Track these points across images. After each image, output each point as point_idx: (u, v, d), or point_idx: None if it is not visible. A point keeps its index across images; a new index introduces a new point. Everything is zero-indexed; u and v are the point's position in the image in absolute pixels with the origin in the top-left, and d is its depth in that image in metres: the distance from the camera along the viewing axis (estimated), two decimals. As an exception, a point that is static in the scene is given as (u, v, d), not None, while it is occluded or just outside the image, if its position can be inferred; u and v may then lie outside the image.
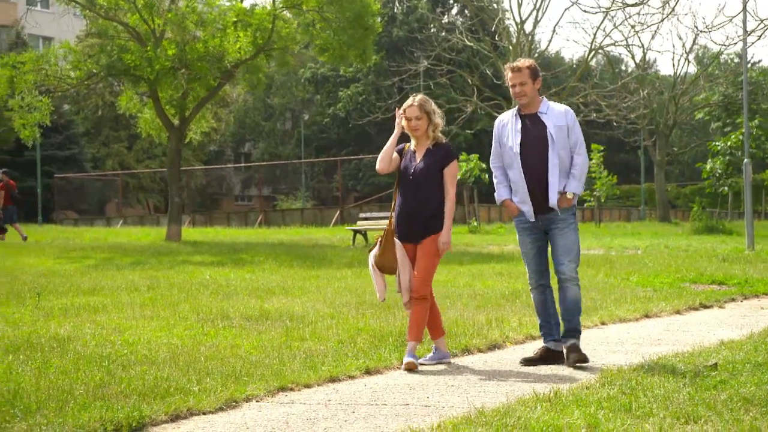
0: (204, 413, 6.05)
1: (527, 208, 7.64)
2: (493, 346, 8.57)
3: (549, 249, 7.81)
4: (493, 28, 42.08)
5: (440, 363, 7.69)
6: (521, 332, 9.19)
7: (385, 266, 7.68)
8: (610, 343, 8.81)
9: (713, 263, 17.60)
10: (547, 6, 42.42)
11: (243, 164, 72.14)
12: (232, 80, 29.06)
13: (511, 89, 7.68)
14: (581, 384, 6.53)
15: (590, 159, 41.05)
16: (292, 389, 6.74)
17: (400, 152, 7.76)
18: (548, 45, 60.74)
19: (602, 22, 49.09)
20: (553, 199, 7.54)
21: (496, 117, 31.68)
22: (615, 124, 46.92)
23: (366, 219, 27.46)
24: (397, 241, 7.65)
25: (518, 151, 7.58)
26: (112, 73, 26.33)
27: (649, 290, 13.21)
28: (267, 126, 73.49)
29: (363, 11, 26.69)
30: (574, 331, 7.64)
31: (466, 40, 42.41)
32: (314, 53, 29.61)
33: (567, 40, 74.30)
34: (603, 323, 10.20)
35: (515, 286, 13.41)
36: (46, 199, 51.36)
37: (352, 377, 7.20)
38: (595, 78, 47.77)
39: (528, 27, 40.93)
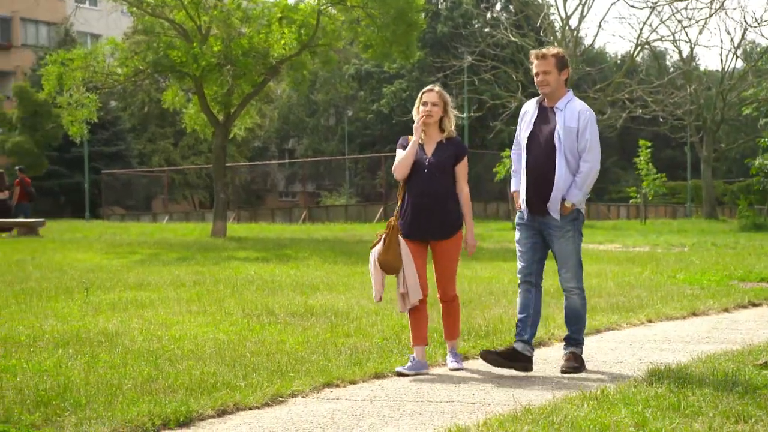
0: (250, 408, 6.09)
1: (524, 206, 7.25)
2: (539, 344, 8.53)
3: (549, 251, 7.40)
4: (537, 24, 41.91)
5: (419, 374, 7.15)
6: (566, 330, 9.11)
7: (389, 265, 7.24)
8: (656, 341, 8.74)
9: (762, 261, 17.39)
10: (593, 1, 42.12)
11: (287, 160, 72.41)
12: (277, 76, 29.17)
13: (534, 78, 7.22)
14: (629, 382, 6.47)
15: (638, 155, 40.70)
16: (337, 385, 6.75)
17: (404, 144, 7.41)
18: (593, 40, 60.44)
19: (649, 17, 48.75)
20: (553, 201, 7.05)
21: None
22: (661, 120, 46.51)
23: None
24: (401, 239, 7.25)
25: (525, 144, 7.20)
26: (158, 69, 26.54)
27: (696, 288, 13.07)
28: (311, 122, 73.72)
29: (407, 7, 26.64)
30: (574, 341, 7.34)
31: (510, 35, 42.26)
32: (358, 50, 29.63)
33: (613, 35, 73.95)
34: (650, 321, 10.11)
35: (559, 284, 13.30)
36: (93, 194, 51.89)
37: (398, 374, 7.19)
38: (641, 74, 47.39)
39: (573, 22, 40.79)
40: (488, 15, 55.26)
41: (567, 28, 40.19)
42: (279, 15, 26.49)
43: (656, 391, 6.05)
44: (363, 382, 6.91)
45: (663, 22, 48.11)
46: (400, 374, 7.09)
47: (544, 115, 7.17)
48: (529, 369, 7.12)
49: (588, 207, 54.02)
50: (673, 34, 44.82)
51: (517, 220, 7.38)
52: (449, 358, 7.44)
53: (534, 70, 7.18)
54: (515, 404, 5.95)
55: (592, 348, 8.34)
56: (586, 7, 39.85)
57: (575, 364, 7.18)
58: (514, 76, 44.38)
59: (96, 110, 27.65)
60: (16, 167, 30.27)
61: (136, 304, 11.06)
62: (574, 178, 7.03)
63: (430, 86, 7.38)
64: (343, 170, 69.61)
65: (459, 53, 48.53)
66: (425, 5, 29.53)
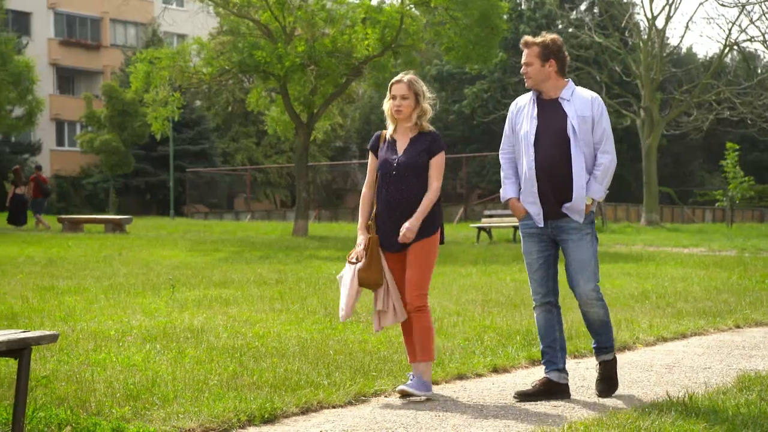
0: (334, 407, 6.13)
1: (536, 210, 6.38)
2: (623, 348, 8.42)
3: (561, 262, 6.62)
4: (622, 24, 41.37)
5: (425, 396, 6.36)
6: (652, 334, 9.01)
7: (371, 281, 6.36)
8: (745, 348, 8.56)
9: None
10: (680, 1, 41.42)
11: (368, 160, 72.67)
12: (359, 77, 29.29)
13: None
14: (717, 389, 6.36)
15: (725, 158, 39.94)
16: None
17: (375, 143, 6.64)
18: (680, 41, 59.41)
19: (738, 17, 47.65)
20: (576, 202, 6.27)
21: (625, 115, 31.15)
22: (749, 122, 45.54)
23: (491, 216, 27.36)
24: (381, 252, 6.43)
25: (533, 140, 6.35)
26: (243, 69, 26.86)
27: (785, 294, 12.78)
28: (392, 122, 73.77)
29: (490, 11, 26.56)
30: (604, 349, 6.54)
31: (594, 36, 41.79)
32: (440, 52, 29.61)
33: (700, 35, 72.64)
34: (738, 326, 9.91)
35: (645, 287, 13.16)
36: (177, 192, 52.70)
37: (479, 375, 7.19)
38: (729, 75, 46.46)
39: (659, 23, 40.07)
40: (572, 15, 54.75)
41: (653, 28, 39.59)
42: (363, 16, 26.60)
43: (746, 398, 5.94)
44: (445, 382, 6.90)
45: (753, 23, 47.22)
46: (404, 393, 6.33)
47: (548, 108, 6.39)
48: (568, 397, 6.39)
49: (672, 210, 53.22)
50: (764, 35, 43.80)
51: (523, 228, 6.51)
52: (410, 381, 6.41)
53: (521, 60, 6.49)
54: (602, 408, 5.88)
55: (679, 353, 8.21)
56: (672, 7, 39.24)
57: (612, 382, 6.45)
58: (597, 77, 43.88)
59: (178, 109, 28.11)
60: (33, 164, 31.58)
61: (220, 301, 11.20)
62: (594, 173, 6.31)
63: (399, 76, 6.48)
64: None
65: (542, 54, 48.10)
66: (508, 7, 29.42)
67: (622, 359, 7.89)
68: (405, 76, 6.44)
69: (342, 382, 6.60)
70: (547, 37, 6.43)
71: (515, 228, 25.86)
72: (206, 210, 53.78)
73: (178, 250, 20.57)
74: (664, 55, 41.81)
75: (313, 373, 6.85)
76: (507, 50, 48.22)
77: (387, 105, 6.46)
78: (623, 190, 53.22)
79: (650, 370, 7.44)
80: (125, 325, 9.12)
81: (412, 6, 27.27)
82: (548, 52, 6.37)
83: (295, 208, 29.35)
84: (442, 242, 6.53)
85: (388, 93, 6.48)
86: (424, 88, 6.47)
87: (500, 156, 6.64)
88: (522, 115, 6.47)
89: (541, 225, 6.38)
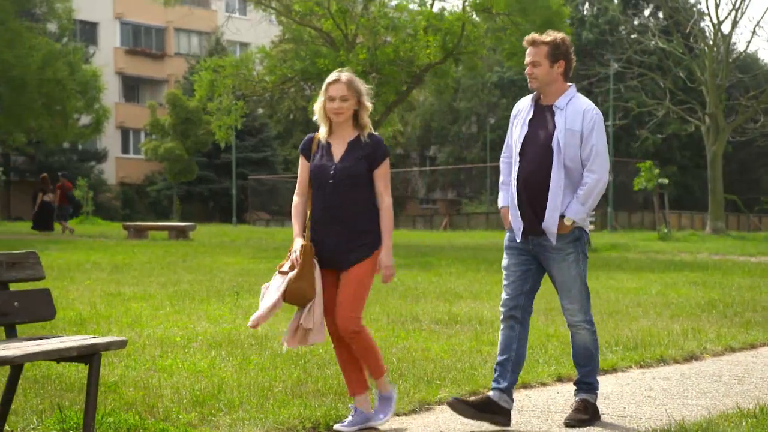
0: (398, 415, 6.12)
1: (517, 225, 5.89)
2: (690, 357, 8.31)
3: (541, 279, 6.14)
4: (687, 30, 40.89)
5: (363, 429, 5.76)
6: (720, 344, 8.87)
7: (299, 294, 5.58)
8: (816, 359, 8.39)
9: None
10: (747, 6, 40.83)
11: (428, 167, 72.60)
12: (420, 84, 29.34)
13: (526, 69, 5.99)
14: (788, 401, 6.24)
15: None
16: (483, 394, 6.72)
17: (308, 146, 5.83)
18: (747, 46, 58.55)
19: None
20: (548, 223, 5.78)
21: (689, 122, 30.62)
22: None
23: (553, 224, 27.21)
24: (316, 263, 5.66)
25: (519, 149, 5.88)
26: (305, 77, 27.07)
27: None
28: (452, 129, 73.77)
29: (552, 16, 26.46)
30: (585, 386, 5.98)
31: (658, 42, 41.36)
32: (502, 58, 29.56)
33: None
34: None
35: (711, 296, 12.97)
36: (240, 200, 53.16)
37: (544, 384, 7.14)
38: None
39: (725, 28, 39.53)
40: (635, 21, 54.24)
41: (719, 34, 39.07)
42: (424, 23, 26.64)
43: (818, 411, 5.81)
44: (510, 391, 6.85)
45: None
46: None
47: (541, 115, 5.90)
48: (506, 424, 5.84)
49: (737, 218, 52.37)
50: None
51: (506, 242, 6.03)
52: (376, 403, 5.90)
53: (525, 60, 5.99)
54: (668, 419, 5.81)
55: (748, 363, 8.08)
56: (739, 12, 38.67)
57: (584, 416, 5.86)
58: (661, 83, 43.43)
59: (241, 117, 28.39)
60: (59, 173, 32.24)
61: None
62: (577, 192, 5.78)
63: (335, 75, 5.72)
64: (485, 178, 69.32)
65: (604, 60, 47.78)
66: (570, 13, 29.26)
67: (690, 369, 7.78)
68: (343, 76, 5.70)
69: (406, 390, 6.59)
70: (557, 35, 5.91)
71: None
72: (268, 217, 54.18)
73: (241, 257, 20.72)
74: (730, 60, 41.23)
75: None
76: (569, 57, 47.91)
77: (319, 106, 5.70)
78: (687, 197, 52.53)
79: (719, 380, 7.33)
80: (190, 331, 9.21)
81: (473, 12, 27.25)
82: (558, 53, 5.84)
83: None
84: None
85: (322, 94, 5.72)
86: (364, 86, 5.76)
87: (501, 161, 6.14)
88: (518, 119, 6.00)
89: (519, 240, 5.90)
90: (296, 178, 5.95)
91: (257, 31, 43.73)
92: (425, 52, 25.83)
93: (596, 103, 6.80)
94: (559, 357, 7.98)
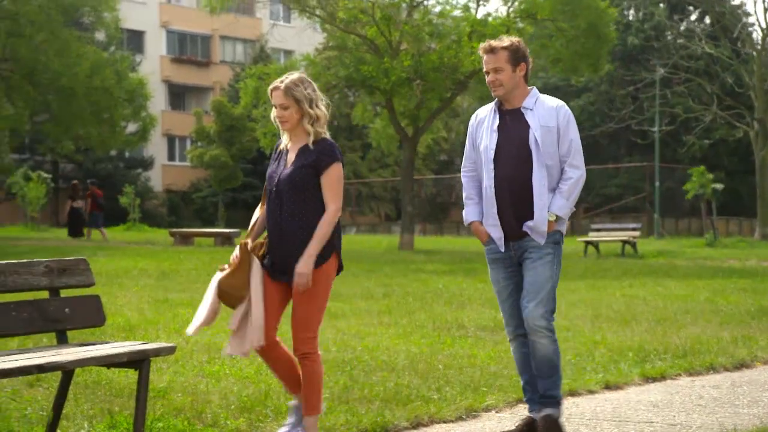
0: (444, 422, 6.12)
1: (497, 234, 5.71)
2: (741, 365, 8.20)
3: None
4: (734, 35, 40.45)
5: None
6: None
7: (230, 292, 5.36)
8: None
9: None
10: (795, 9, 40.32)
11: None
12: (464, 90, 29.29)
13: (486, 77, 5.79)
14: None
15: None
16: (524, 417, 6.67)
17: (273, 155, 5.63)
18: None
19: None
20: (538, 222, 5.61)
21: (737, 127, 30.27)
22: None
23: (599, 230, 27.06)
24: (256, 262, 5.42)
25: (492, 156, 5.71)
26: (349, 83, 27.15)
27: None
28: (497, 136, 73.54)
29: (598, 21, 26.32)
30: (550, 399, 5.72)
31: (705, 47, 40.98)
32: (547, 64, 29.48)
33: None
34: None
35: (761, 303, 12.80)
36: (284, 206, 53.40)
37: (591, 392, 7.09)
38: None
39: (773, 32, 39.03)
40: (682, 26, 53.77)
41: (767, 38, 38.62)
42: (468, 30, 26.61)
43: None
44: (557, 399, 6.81)
45: None
46: None
47: (508, 120, 5.73)
48: None
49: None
50: None
51: (487, 254, 5.84)
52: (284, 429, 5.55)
53: (484, 68, 5.79)
54: (720, 428, 5.74)
55: (799, 372, 7.96)
56: (787, 15, 38.17)
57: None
58: (708, 89, 43.00)
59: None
60: (88, 180, 32.71)
61: (329, 315, 11.26)
62: (560, 186, 5.64)
63: (277, 81, 5.45)
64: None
65: (650, 65, 47.42)
66: (616, 18, 29.10)
67: (740, 377, 7.68)
68: (284, 81, 5.39)
69: (452, 397, 6.58)
70: (513, 39, 5.77)
71: (624, 242, 25.49)
72: (312, 223, 54.33)
73: (286, 264, 20.80)
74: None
75: (423, 388, 6.84)
76: (614, 61, 47.60)
77: (273, 114, 5.50)
78: (736, 203, 51.92)
79: (770, 389, 7.24)
80: (237, 337, 9.24)
81: (517, 18, 27.17)
82: (518, 56, 5.70)
83: (399, 221, 29.46)
84: (339, 271, 5.49)
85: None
86: (309, 91, 5.37)
87: (462, 176, 5.93)
88: (482, 128, 5.81)
89: (503, 250, 5.73)
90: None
91: (301, 39, 43.92)
92: (469, 58, 25.79)
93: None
94: (606, 364, 7.92)
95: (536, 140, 5.60)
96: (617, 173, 54.88)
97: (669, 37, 51.20)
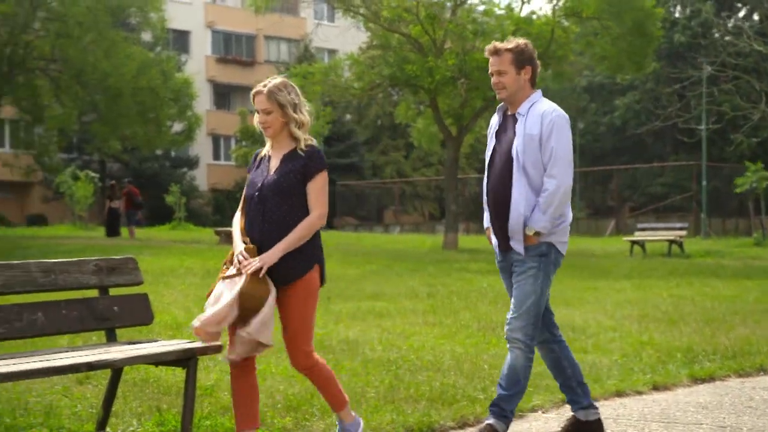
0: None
1: (495, 242, 5.66)
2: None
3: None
4: (784, 31, 39.95)
5: None
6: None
7: (254, 297, 4.98)
8: None
9: None
10: None
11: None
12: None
13: (491, 79, 5.67)
14: None
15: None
16: (569, 419, 6.63)
17: (252, 163, 5.42)
18: None
19: None
20: (512, 233, 5.48)
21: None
22: None
23: (644, 230, 26.85)
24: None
25: (487, 163, 5.67)
26: (393, 82, 27.15)
27: None
28: (541, 134, 73.23)
29: (644, 19, 26.09)
30: (498, 409, 5.53)
31: (753, 44, 40.48)
32: (593, 62, 29.30)
33: None
34: None
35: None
36: (331, 204, 53.58)
37: (639, 393, 7.03)
38: None
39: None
40: (729, 23, 53.17)
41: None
42: (513, 28, 26.50)
43: None
44: (604, 399, 6.77)
45: None
46: None
47: (506, 125, 5.64)
48: None
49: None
50: None
51: (496, 263, 5.80)
52: None
53: (489, 69, 5.69)
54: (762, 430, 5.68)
55: None
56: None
57: None
58: (756, 86, 42.46)
59: (328, 123, 28.63)
60: (125, 179, 33.02)
61: (374, 314, 11.31)
62: (538, 200, 5.43)
63: (259, 85, 5.26)
64: (573, 183, 68.48)
65: (697, 63, 46.95)
66: (662, 15, 28.84)
67: (791, 380, 7.57)
68: (267, 85, 5.22)
69: (499, 397, 6.55)
70: (520, 41, 5.63)
71: (671, 242, 25.27)
72: (356, 222, 54.45)
73: (331, 262, 20.71)
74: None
75: (469, 388, 6.83)
76: (661, 59, 47.20)
77: (256, 120, 5.31)
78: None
79: (821, 391, 7.13)
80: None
81: (562, 17, 27.02)
82: (523, 59, 5.57)
83: (443, 220, 29.42)
84: (322, 283, 5.33)
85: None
86: (293, 95, 5.20)
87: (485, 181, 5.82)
88: (490, 132, 5.77)
89: (500, 258, 5.66)
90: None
91: (345, 38, 44.03)
92: (514, 56, 25.73)
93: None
94: (654, 365, 7.86)
95: (517, 149, 5.46)
96: (663, 172, 54.41)
97: (716, 35, 50.67)
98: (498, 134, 5.63)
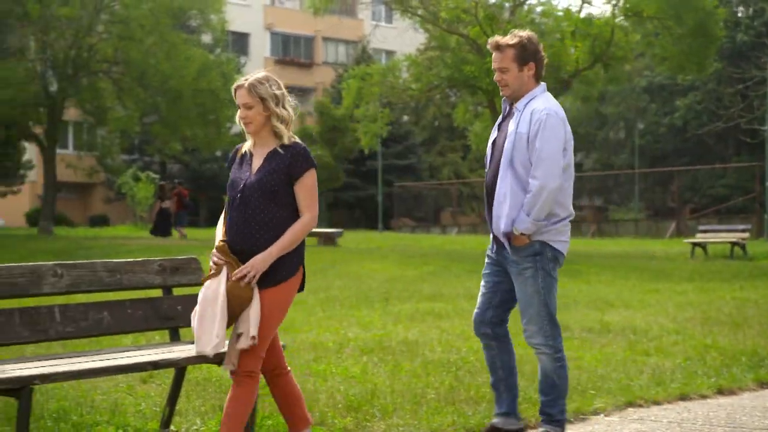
0: (551, 424, 6.03)
1: (491, 236, 5.53)
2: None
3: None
4: None
5: None
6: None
7: (241, 295, 4.71)
8: None
9: None
10: None
11: (574, 174, 71.75)
12: (567, 90, 29.00)
13: (494, 74, 5.51)
14: None
15: None
16: (640, 405, 6.59)
17: (231, 160, 5.17)
18: None
19: None
20: (497, 232, 5.38)
21: None
22: None
23: (706, 231, 26.48)
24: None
25: (486, 159, 5.57)
26: (452, 84, 27.11)
27: None
28: (599, 135, 72.63)
29: (706, 19, 25.76)
30: (546, 416, 5.49)
31: (818, 42, 39.76)
32: (653, 62, 29.00)
33: None
34: None
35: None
36: (385, 206, 53.60)
37: (703, 396, 6.93)
38: None
39: None
40: (794, 21, 52.27)
41: None
42: (571, 29, 26.33)
43: None
44: (668, 403, 6.69)
45: None
46: None
47: (507, 119, 5.48)
48: None
49: None
50: None
51: (487, 249, 5.67)
52: None
53: (492, 65, 5.51)
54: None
55: None
56: None
57: None
58: (822, 86, 41.66)
59: (386, 124, 28.67)
60: (175, 180, 33.39)
61: (433, 315, 11.29)
62: (524, 201, 5.29)
63: (240, 80, 5.00)
64: (633, 184, 68.02)
65: (761, 63, 46.20)
66: (725, 15, 28.47)
67: None
68: (248, 79, 4.97)
69: (560, 399, 6.50)
70: (523, 35, 5.38)
71: (733, 244, 24.89)
72: (413, 224, 54.40)
73: (389, 264, 20.87)
74: None
75: (530, 390, 6.78)
76: (723, 59, 46.56)
77: (238, 116, 5.03)
78: None
79: None
80: (342, 337, 9.32)
81: (622, 17, 26.78)
82: (527, 54, 5.34)
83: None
84: (301, 289, 5.02)
85: None
86: (275, 88, 4.96)
87: None
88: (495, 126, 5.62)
89: (493, 252, 5.51)
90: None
91: (403, 39, 44.08)
92: (572, 57, 25.52)
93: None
94: (718, 368, 7.74)
95: (507, 146, 5.33)
96: (725, 173, 53.66)
97: (780, 34, 49.83)
98: (500, 127, 5.50)
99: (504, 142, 5.35)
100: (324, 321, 10.62)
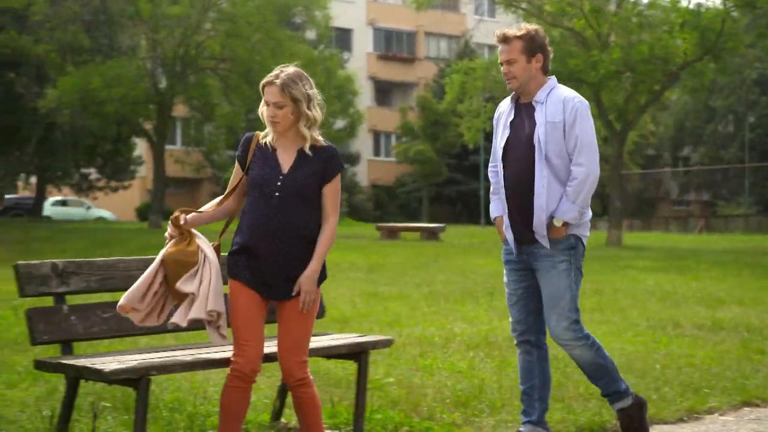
0: (665, 423, 5.97)
1: (510, 236, 5.36)
2: None
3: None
4: None
5: None
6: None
7: (182, 259, 4.71)
8: None
9: None
10: None
11: (681, 168, 70.32)
12: (675, 83, 28.44)
13: (501, 68, 5.40)
14: None
15: None
16: (757, 405, 6.43)
17: (245, 150, 4.84)
18: None
19: None
20: (537, 225, 5.22)
21: None
22: None
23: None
24: (202, 237, 4.94)
25: (501, 155, 5.38)
26: (556, 77, 26.81)
27: None
28: (708, 129, 71.08)
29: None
30: (613, 395, 5.43)
31: None
32: (763, 55, 28.24)
33: None
34: None
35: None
36: (488, 201, 53.45)
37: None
38: None
39: None
40: None
41: None
42: (680, 20, 25.80)
43: None
44: (788, 407, 6.51)
45: None
46: None
47: (521, 114, 5.33)
48: None
49: None
50: None
51: (503, 256, 5.49)
52: None
53: (499, 58, 5.40)
54: None
55: None
56: None
57: (634, 424, 5.37)
58: None
59: (489, 119, 28.50)
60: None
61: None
62: (566, 189, 5.19)
63: (271, 75, 4.71)
64: (742, 179, 66.39)
65: None
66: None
67: None
68: (278, 77, 4.68)
69: (672, 397, 6.41)
70: (530, 27, 5.31)
71: None
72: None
73: (492, 258, 20.76)
74: None
75: (641, 387, 6.67)
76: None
77: (260, 109, 4.78)
78: None
79: None
80: (448, 331, 9.31)
81: (733, 8, 26.12)
82: (534, 46, 5.24)
83: (605, 217, 28.90)
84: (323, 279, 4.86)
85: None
86: (307, 88, 4.67)
87: (489, 170, 5.59)
88: (500, 122, 5.44)
89: (515, 253, 5.36)
90: None
91: (507, 33, 43.76)
92: (681, 49, 25.00)
93: None
94: None
95: (539, 138, 5.19)
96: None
97: None
98: (513, 124, 5.33)
99: (529, 138, 5.23)
100: (429, 316, 10.62)
